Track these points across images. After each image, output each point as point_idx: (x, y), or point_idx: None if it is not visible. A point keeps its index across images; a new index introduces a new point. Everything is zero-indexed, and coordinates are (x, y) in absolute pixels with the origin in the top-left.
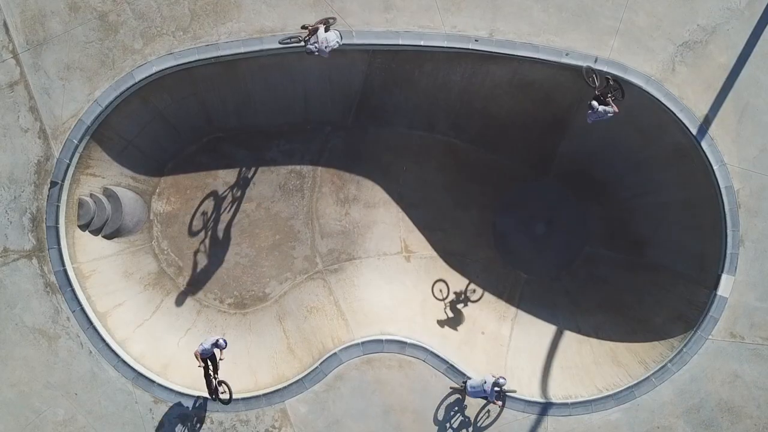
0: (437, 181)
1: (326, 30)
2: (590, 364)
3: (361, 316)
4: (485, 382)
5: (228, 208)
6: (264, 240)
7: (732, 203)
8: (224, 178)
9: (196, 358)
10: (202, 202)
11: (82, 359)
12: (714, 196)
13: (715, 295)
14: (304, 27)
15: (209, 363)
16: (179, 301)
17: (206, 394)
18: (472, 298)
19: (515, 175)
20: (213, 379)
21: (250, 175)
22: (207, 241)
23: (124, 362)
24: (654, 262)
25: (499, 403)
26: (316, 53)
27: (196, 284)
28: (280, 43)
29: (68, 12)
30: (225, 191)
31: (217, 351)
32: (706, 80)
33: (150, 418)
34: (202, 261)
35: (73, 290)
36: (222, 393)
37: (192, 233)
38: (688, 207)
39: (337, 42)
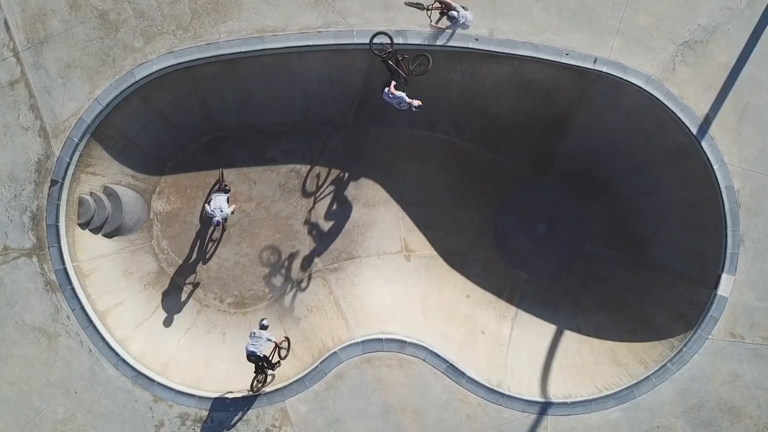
0: (438, 181)
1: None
2: (590, 364)
3: (361, 315)
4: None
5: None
6: (264, 239)
7: (732, 203)
8: (225, 177)
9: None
10: (202, 201)
11: (82, 358)
12: (714, 196)
13: (716, 294)
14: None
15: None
16: (179, 301)
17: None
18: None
19: (516, 175)
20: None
21: (250, 174)
22: (207, 240)
23: (124, 361)
24: (655, 262)
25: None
26: (453, 23)
27: (196, 284)
28: (406, 3)
29: (69, 10)
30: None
31: (269, 343)
32: (706, 80)
33: (150, 417)
34: (202, 260)
35: (73, 289)
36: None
37: (192, 232)
38: (689, 207)
39: (470, 24)
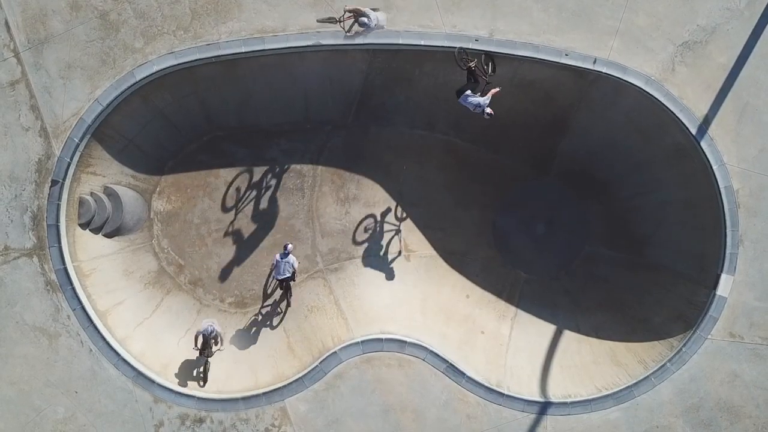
0: (438, 181)
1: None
2: (590, 364)
3: (360, 315)
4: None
5: (228, 207)
6: (264, 239)
7: (731, 203)
8: (225, 176)
9: (195, 340)
10: (202, 200)
11: (83, 357)
12: (714, 196)
13: (715, 294)
14: (348, 10)
15: (205, 345)
16: (179, 300)
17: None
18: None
19: (516, 175)
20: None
21: (250, 174)
22: (207, 239)
23: (125, 361)
24: (654, 262)
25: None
26: (366, 29)
27: (196, 283)
28: (318, 21)
29: (69, 11)
30: (225, 190)
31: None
32: (705, 80)
33: (150, 417)
34: (203, 260)
35: (73, 288)
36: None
37: (192, 232)
38: (689, 207)
39: (384, 24)
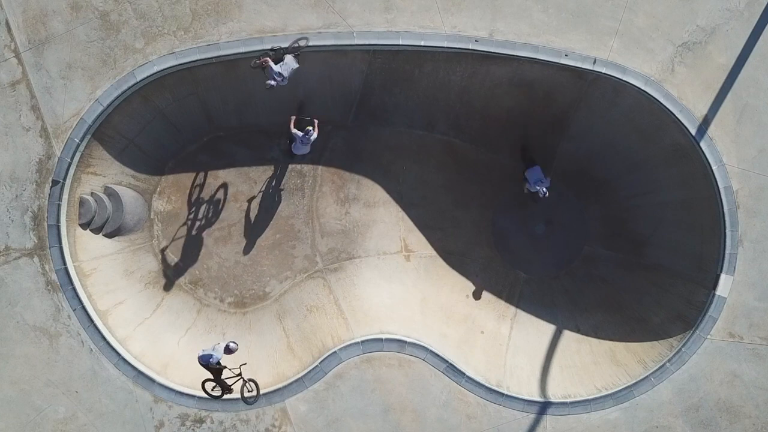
0: (437, 181)
1: (278, 61)
2: (589, 364)
3: (360, 315)
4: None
5: (229, 207)
6: (264, 239)
7: (731, 203)
8: (225, 177)
9: (215, 373)
10: (202, 200)
11: (83, 357)
12: (713, 197)
13: (714, 294)
14: (273, 49)
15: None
16: (180, 300)
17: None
18: None
19: (515, 175)
20: (234, 380)
21: (251, 174)
22: (207, 240)
23: (125, 360)
24: (653, 262)
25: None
26: (275, 85)
27: (196, 283)
28: (251, 66)
29: (70, 11)
30: (226, 190)
31: (229, 356)
32: (705, 81)
33: (150, 418)
34: (203, 260)
35: (74, 288)
36: (249, 391)
37: (192, 232)
38: (688, 207)
39: (293, 67)
